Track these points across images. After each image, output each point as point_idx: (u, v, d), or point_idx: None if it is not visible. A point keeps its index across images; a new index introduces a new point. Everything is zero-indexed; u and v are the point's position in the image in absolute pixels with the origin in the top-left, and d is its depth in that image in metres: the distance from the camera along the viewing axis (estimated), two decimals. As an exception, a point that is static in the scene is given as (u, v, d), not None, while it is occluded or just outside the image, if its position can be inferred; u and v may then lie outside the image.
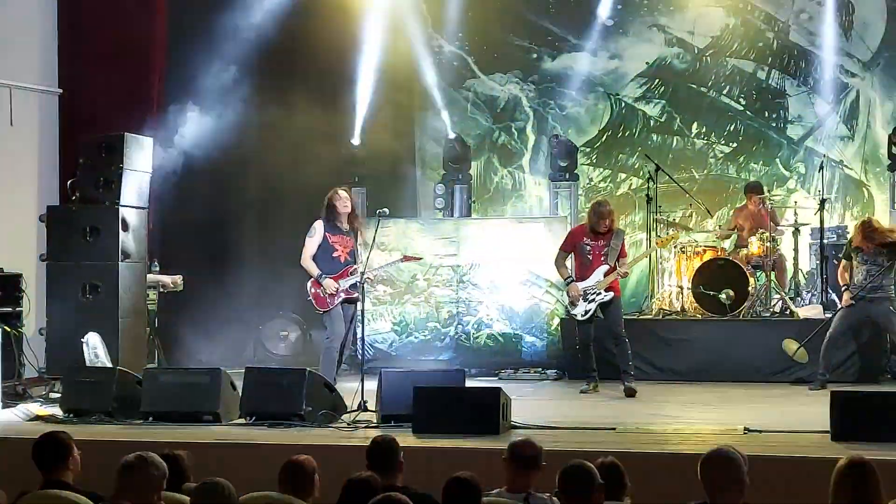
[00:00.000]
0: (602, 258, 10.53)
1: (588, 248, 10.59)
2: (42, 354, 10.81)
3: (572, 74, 14.66)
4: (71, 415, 9.03)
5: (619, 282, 10.83)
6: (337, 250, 10.19)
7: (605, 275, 10.49)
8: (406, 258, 10.88)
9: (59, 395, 9.74)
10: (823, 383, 10.40)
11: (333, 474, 5.37)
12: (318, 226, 10.25)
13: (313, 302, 10.19)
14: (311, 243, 10.23)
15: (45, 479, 5.50)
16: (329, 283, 10.05)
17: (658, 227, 12.85)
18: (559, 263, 10.82)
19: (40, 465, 5.57)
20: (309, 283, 10.21)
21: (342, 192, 10.30)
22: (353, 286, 10.05)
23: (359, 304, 9.96)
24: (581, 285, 10.53)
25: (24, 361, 10.68)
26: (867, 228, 10.63)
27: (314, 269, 10.14)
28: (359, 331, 10.05)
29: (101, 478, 5.43)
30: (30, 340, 10.82)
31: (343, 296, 10.10)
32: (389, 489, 5.22)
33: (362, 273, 9.90)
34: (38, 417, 9.11)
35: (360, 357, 10.54)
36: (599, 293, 10.49)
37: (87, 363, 10.06)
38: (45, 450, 5.61)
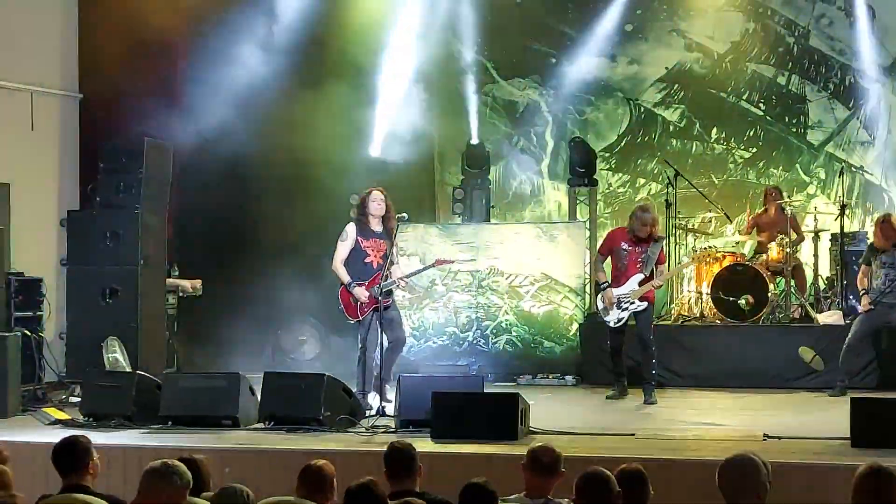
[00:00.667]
0: (638, 265, 10.40)
1: (625, 253, 10.46)
2: (62, 359, 10.86)
3: (591, 79, 14.66)
4: (90, 419, 9.06)
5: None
6: (369, 255, 9.77)
7: (640, 284, 10.38)
8: (439, 262, 10.64)
9: (78, 400, 9.79)
10: (843, 389, 10.35)
11: (352, 479, 5.36)
12: (350, 229, 9.85)
13: (344, 311, 9.79)
14: (343, 248, 9.80)
15: (65, 484, 5.52)
16: (360, 292, 9.65)
17: (678, 233, 12.83)
18: (597, 267, 10.75)
19: (60, 470, 5.59)
20: (339, 291, 9.83)
21: (376, 193, 9.86)
22: (387, 294, 9.69)
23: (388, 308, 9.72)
24: (615, 292, 10.45)
25: (43, 366, 10.73)
26: (885, 226, 10.55)
27: (345, 276, 9.71)
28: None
29: (121, 482, 5.46)
30: (50, 345, 10.86)
31: (374, 303, 9.69)
32: (406, 494, 5.22)
33: (386, 276, 9.66)
34: (57, 421, 9.14)
35: (379, 363, 10.47)
36: (633, 302, 10.39)
37: (107, 367, 10.11)
38: (65, 454, 5.63)
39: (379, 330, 9.55)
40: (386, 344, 9.64)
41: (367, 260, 9.77)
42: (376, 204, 9.83)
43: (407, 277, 10.15)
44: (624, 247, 10.48)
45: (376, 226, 9.85)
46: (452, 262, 11.40)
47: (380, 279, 9.70)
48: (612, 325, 10.54)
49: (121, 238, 10.75)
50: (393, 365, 9.86)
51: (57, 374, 10.93)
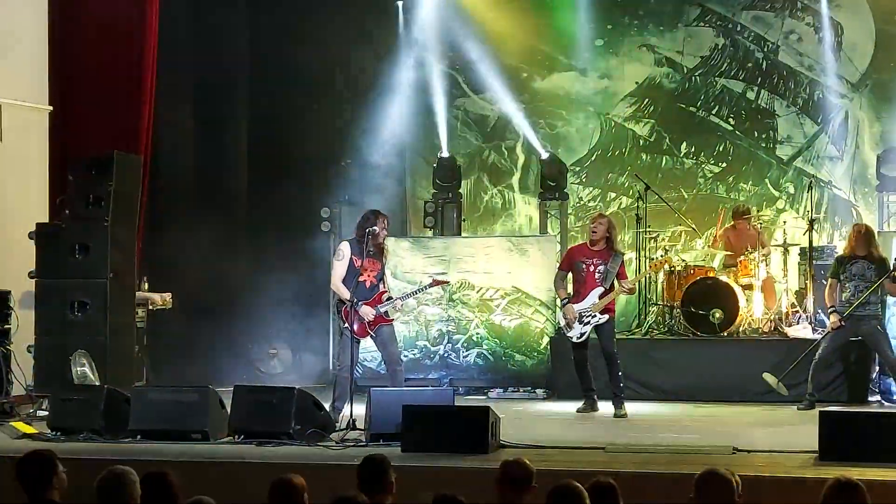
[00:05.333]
0: (597, 279, 10.45)
1: (583, 266, 10.52)
2: (30, 372, 10.76)
3: (562, 94, 14.70)
4: (59, 433, 8.99)
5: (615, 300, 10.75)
6: (363, 275, 9.71)
7: (601, 297, 10.42)
8: (435, 282, 10.64)
9: (46, 413, 9.71)
10: (812, 403, 10.40)
11: (322, 493, 5.35)
12: (345, 248, 9.83)
13: (352, 329, 9.63)
14: (340, 266, 9.76)
15: (31, 498, 5.47)
16: (367, 311, 9.65)
17: (648, 247, 12.88)
18: (558, 283, 10.80)
19: (24, 484, 5.53)
20: (342, 309, 9.73)
21: (385, 222, 9.82)
22: (388, 313, 9.77)
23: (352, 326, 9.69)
24: (576, 307, 10.47)
25: (11, 379, 10.63)
26: (868, 233, 10.63)
27: (347, 295, 9.65)
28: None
29: (89, 496, 5.41)
30: (18, 358, 10.77)
31: (379, 321, 9.77)
32: (380, 508, 5.20)
33: (390, 297, 9.76)
34: (25, 435, 9.07)
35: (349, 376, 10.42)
36: (595, 315, 10.42)
37: (76, 381, 10.03)
38: (29, 468, 5.56)
39: (351, 347, 9.56)
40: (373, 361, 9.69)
41: (361, 279, 9.73)
42: (384, 234, 9.85)
43: (404, 298, 10.19)
44: (583, 261, 10.53)
45: (372, 246, 9.80)
46: (448, 282, 11.46)
47: (382, 298, 9.78)
48: (574, 339, 10.56)
49: (90, 251, 10.68)
50: (399, 383, 9.76)
51: (25, 388, 10.83)
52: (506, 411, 9.21)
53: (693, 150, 14.55)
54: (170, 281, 12.86)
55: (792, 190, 14.20)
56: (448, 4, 14.37)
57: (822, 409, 8.51)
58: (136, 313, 11.63)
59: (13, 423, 9.49)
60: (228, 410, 8.92)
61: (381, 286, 9.86)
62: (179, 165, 13.37)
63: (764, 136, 14.37)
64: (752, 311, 12.09)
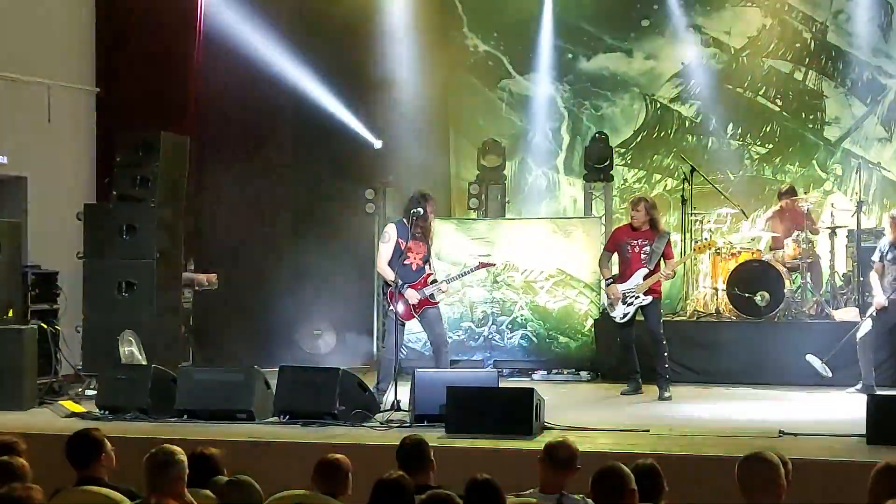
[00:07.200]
0: (642, 259, 10.40)
1: (628, 247, 10.47)
2: (78, 352, 10.88)
3: (608, 75, 14.63)
4: (106, 412, 9.10)
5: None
6: (409, 257, 9.68)
7: (645, 278, 10.36)
8: (481, 265, 10.67)
9: (94, 393, 9.82)
10: (868, 387, 10.25)
11: (366, 474, 5.37)
12: (391, 230, 9.79)
13: (398, 313, 9.62)
14: (386, 249, 9.71)
15: (80, 476, 5.54)
16: (412, 294, 9.63)
17: (693, 229, 12.80)
18: (602, 263, 10.77)
19: (73, 462, 5.62)
20: (388, 292, 9.71)
21: (431, 206, 9.77)
22: (433, 295, 9.72)
23: (395, 308, 9.66)
24: (621, 287, 10.42)
25: (60, 359, 10.75)
26: None
27: (392, 278, 9.58)
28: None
29: (137, 475, 5.46)
30: (66, 338, 10.89)
31: (424, 304, 9.73)
32: (420, 489, 5.21)
33: (435, 280, 9.76)
34: (73, 414, 9.18)
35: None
36: (639, 296, 10.36)
37: (123, 361, 10.13)
38: (78, 447, 5.65)
39: (395, 329, 9.56)
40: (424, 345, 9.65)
41: (407, 262, 9.70)
42: (432, 216, 9.84)
43: (450, 281, 10.22)
44: (629, 242, 10.48)
45: (418, 229, 9.76)
46: (494, 264, 11.45)
47: (427, 281, 9.76)
48: (617, 319, 10.53)
49: (137, 231, 10.77)
50: (445, 364, 9.74)
51: (73, 367, 10.96)
52: (550, 393, 9.21)
53: (739, 131, 14.44)
54: (215, 262, 12.93)
55: (840, 172, 14.07)
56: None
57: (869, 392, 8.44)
58: (183, 294, 11.71)
59: (62, 402, 9.63)
60: (274, 391, 8.98)
61: (426, 268, 9.83)
62: (225, 144, 13.40)
63: (811, 117, 14.23)
64: (799, 293, 12.00)
